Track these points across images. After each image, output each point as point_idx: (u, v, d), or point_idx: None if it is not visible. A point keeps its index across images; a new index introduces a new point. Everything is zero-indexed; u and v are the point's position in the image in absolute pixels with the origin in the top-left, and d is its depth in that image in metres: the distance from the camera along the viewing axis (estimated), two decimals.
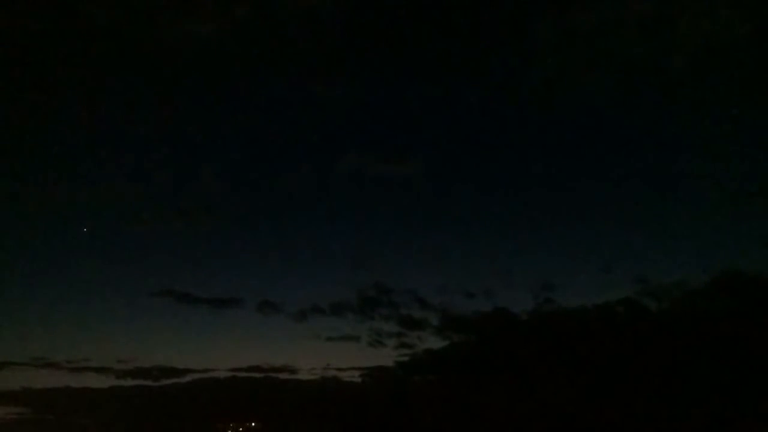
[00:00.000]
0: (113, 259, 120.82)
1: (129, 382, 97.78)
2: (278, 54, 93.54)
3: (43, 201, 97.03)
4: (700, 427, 44.94)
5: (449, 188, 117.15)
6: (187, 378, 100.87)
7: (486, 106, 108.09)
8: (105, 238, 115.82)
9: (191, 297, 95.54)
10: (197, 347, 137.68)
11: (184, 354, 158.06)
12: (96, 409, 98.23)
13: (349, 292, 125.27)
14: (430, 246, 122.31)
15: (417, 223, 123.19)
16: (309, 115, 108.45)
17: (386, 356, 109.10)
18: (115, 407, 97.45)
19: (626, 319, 56.91)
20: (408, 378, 76.17)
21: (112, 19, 79.19)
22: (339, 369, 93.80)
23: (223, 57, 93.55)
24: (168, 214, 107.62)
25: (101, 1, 79.89)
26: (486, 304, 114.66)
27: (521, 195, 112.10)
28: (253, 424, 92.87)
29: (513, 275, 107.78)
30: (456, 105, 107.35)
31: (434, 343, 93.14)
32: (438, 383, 71.41)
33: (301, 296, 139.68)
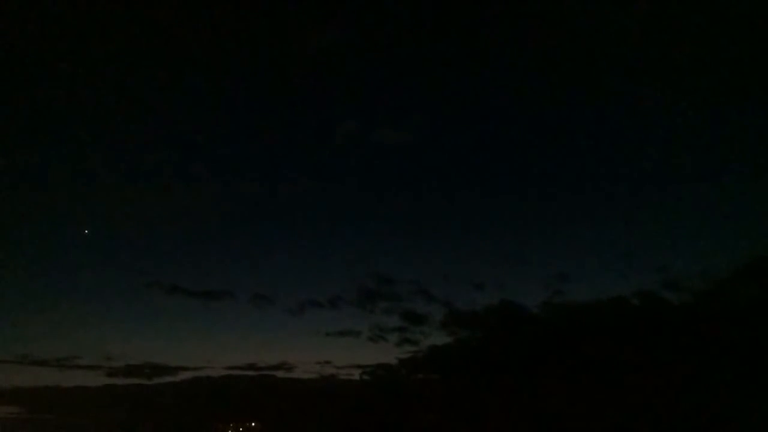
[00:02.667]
0: (102, 254, 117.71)
1: (122, 381, 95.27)
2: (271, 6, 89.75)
3: (29, 199, 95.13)
4: (725, 427, 41.38)
5: (456, 170, 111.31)
6: (181, 376, 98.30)
7: (495, 87, 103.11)
8: (94, 233, 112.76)
9: (181, 290, 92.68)
10: (188, 344, 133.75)
11: (174, 351, 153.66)
12: (91, 409, 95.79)
13: (348, 283, 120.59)
14: (435, 233, 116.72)
15: (421, 209, 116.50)
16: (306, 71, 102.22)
17: (388, 352, 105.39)
18: (110, 407, 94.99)
19: (643, 312, 53.28)
20: (411, 376, 73.00)
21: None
22: (338, 367, 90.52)
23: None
24: (161, 210, 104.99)
25: None
26: (495, 295, 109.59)
27: (533, 179, 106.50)
28: (253, 424, 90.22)
29: (524, 265, 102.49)
30: (459, 82, 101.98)
31: (438, 338, 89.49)
32: (442, 382, 68.42)
33: (296, 289, 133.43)
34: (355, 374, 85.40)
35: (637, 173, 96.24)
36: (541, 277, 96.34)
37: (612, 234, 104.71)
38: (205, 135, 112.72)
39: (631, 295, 55.00)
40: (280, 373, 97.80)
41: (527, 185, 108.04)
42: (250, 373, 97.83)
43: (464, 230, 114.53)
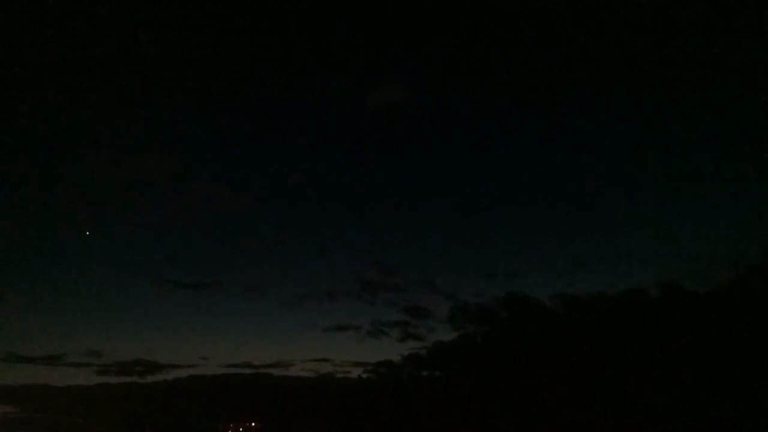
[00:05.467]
0: (87, 248, 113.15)
1: (114, 380, 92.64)
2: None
3: (14, 198, 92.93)
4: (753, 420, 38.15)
5: (465, 153, 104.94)
6: (175, 375, 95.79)
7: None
8: (80, 228, 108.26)
9: (171, 281, 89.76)
10: (179, 340, 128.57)
11: (165, 347, 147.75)
12: (85, 409, 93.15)
13: (346, 273, 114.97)
14: (441, 218, 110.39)
15: (425, 193, 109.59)
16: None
17: (390, 349, 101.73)
18: (104, 406, 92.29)
19: (664, 304, 49.83)
20: (414, 374, 69.78)
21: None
22: (337, 365, 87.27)
23: None
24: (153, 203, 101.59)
25: None
26: (505, 285, 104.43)
27: (549, 160, 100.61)
28: (253, 424, 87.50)
29: (537, 251, 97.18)
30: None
31: (444, 333, 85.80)
32: (448, 380, 65.21)
33: (291, 280, 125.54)
34: (354, 372, 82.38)
35: (657, 161, 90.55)
36: (554, 265, 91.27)
37: (635, 220, 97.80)
38: (197, 128, 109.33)
39: (651, 285, 51.59)
40: (275, 371, 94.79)
41: (540, 166, 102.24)
42: (246, 371, 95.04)
43: (472, 215, 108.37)
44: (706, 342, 44.20)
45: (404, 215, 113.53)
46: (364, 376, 79.03)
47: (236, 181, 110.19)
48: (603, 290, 53.80)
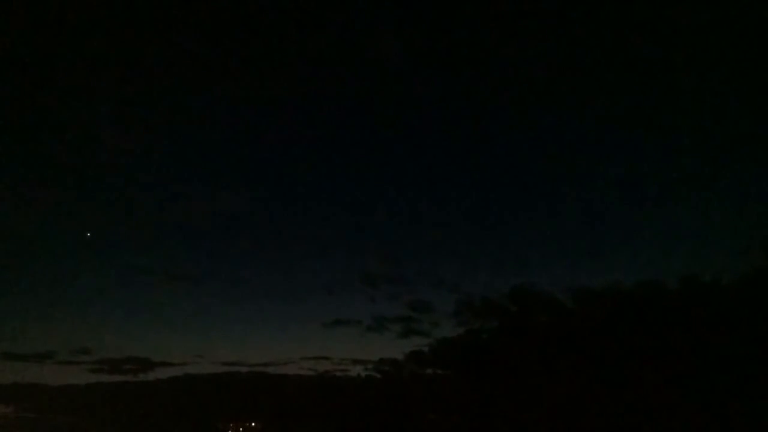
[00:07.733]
0: (81, 243, 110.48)
1: (109, 378, 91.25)
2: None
3: (8, 196, 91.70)
4: None
5: (474, 137, 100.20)
6: (169, 373, 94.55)
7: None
8: (71, 226, 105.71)
9: (162, 274, 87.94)
10: (170, 336, 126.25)
11: (156, 344, 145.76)
12: (81, 408, 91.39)
13: (346, 266, 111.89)
14: (446, 207, 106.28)
15: (430, 178, 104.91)
16: None
17: (391, 345, 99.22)
18: (101, 405, 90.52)
19: (683, 297, 47.25)
20: (417, 372, 67.63)
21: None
22: (336, 363, 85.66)
23: None
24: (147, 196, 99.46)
25: None
26: (514, 278, 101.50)
27: (559, 148, 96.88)
28: (253, 424, 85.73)
29: (548, 242, 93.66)
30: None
31: (449, 329, 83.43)
32: (452, 378, 63.08)
33: (287, 273, 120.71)
34: (354, 370, 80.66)
35: (677, 145, 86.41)
36: (565, 256, 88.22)
37: (646, 208, 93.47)
38: (196, 120, 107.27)
39: (669, 277, 48.96)
40: (273, 369, 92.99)
41: (551, 154, 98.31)
42: (243, 369, 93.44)
43: (478, 203, 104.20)
44: (728, 337, 41.71)
45: (406, 204, 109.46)
46: (365, 374, 77.16)
47: (231, 174, 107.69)
48: (617, 282, 51.15)
